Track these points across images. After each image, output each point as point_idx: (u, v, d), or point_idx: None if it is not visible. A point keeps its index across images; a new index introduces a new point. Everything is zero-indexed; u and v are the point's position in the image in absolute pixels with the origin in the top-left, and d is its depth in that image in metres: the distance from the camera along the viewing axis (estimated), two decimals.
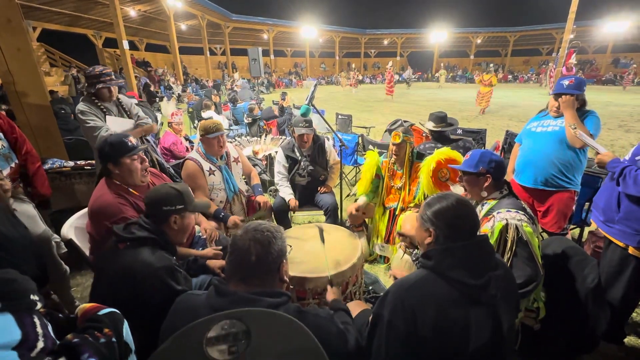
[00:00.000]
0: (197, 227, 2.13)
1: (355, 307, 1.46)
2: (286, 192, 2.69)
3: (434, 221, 1.08)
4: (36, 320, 0.61)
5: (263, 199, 2.58)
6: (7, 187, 1.64)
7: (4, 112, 2.12)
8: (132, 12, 15.21)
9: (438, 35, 27.27)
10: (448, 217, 1.07)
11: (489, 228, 1.48)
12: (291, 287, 1.67)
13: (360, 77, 21.35)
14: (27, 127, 2.79)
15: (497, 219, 1.46)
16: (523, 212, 1.45)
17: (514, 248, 1.41)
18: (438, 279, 1.02)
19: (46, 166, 2.63)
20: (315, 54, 30.74)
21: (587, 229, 2.57)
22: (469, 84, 24.69)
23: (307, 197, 2.84)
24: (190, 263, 1.62)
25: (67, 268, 2.08)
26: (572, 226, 2.57)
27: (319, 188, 2.83)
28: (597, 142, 1.86)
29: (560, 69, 10.86)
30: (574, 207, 2.27)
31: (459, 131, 3.97)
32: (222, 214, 2.27)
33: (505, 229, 1.43)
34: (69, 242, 1.74)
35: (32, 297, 0.62)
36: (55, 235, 2.02)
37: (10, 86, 2.70)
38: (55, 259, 2.00)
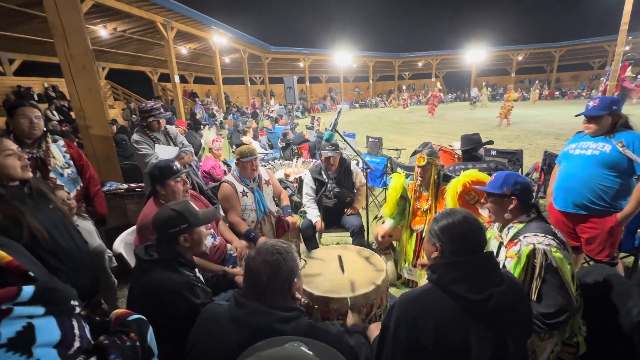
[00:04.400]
0: (229, 246, 2.27)
1: (377, 329, 1.47)
2: (313, 214, 2.78)
3: (440, 236, 1.12)
4: (74, 323, 0.69)
5: (292, 219, 2.69)
6: (73, 205, 1.92)
7: (74, 143, 2.48)
8: (184, 50, 16.96)
9: (475, 55, 26.72)
10: (454, 232, 1.09)
11: (515, 252, 1.43)
12: (315, 306, 1.71)
13: (403, 98, 21.56)
14: (92, 155, 3.21)
15: (523, 243, 1.41)
16: (552, 237, 1.39)
17: (542, 274, 1.34)
18: (440, 292, 1.05)
19: (104, 188, 2.99)
20: (349, 79, 31.51)
21: None
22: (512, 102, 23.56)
23: (334, 218, 2.90)
24: (220, 278, 1.74)
25: (115, 281, 2.31)
26: (623, 254, 2.33)
27: (345, 210, 2.88)
28: None
29: (614, 83, 10.06)
30: (622, 234, 2.08)
31: (493, 152, 3.83)
32: (253, 234, 2.40)
33: (532, 254, 1.37)
34: (119, 256, 1.96)
35: (72, 302, 0.71)
36: (109, 250, 2.28)
37: (81, 120, 3.17)
38: (106, 271, 2.24)
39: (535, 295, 1.33)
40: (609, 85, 8.99)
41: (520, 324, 1.08)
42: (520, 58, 28.12)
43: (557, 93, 25.19)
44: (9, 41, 10.68)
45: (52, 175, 2.08)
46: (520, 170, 3.77)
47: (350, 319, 1.56)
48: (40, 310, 0.61)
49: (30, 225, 1.40)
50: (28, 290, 0.61)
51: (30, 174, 1.55)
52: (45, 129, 2.08)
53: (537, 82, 23.42)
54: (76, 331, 0.68)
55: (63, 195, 1.87)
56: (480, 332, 0.99)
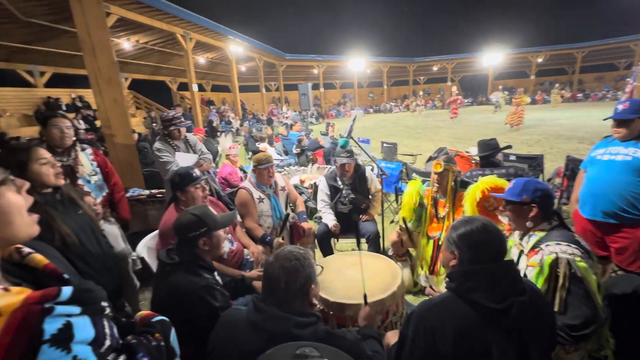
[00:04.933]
0: (245, 251, 2.31)
1: (394, 337, 1.45)
2: (329, 218, 2.79)
3: (459, 244, 1.11)
4: (105, 322, 0.74)
5: (307, 225, 2.71)
6: (99, 211, 2.01)
7: (101, 151, 2.60)
8: (202, 59, 17.47)
9: (492, 58, 26.18)
10: (472, 240, 1.08)
11: (537, 262, 1.40)
12: (331, 313, 1.72)
13: (418, 103, 21.42)
14: (116, 162, 3.36)
15: (545, 252, 1.37)
16: (576, 246, 1.34)
17: (567, 285, 1.30)
18: (459, 300, 1.04)
19: (127, 194, 3.10)
20: (364, 84, 31.52)
21: None
22: (532, 106, 22.96)
23: (349, 225, 2.90)
24: (238, 282, 1.77)
25: (138, 283, 2.39)
26: None
27: (360, 216, 2.88)
28: None
29: None
30: None
31: (512, 157, 3.74)
32: (269, 238, 2.44)
33: (555, 263, 1.33)
34: (142, 260, 2.03)
35: (103, 303, 0.76)
36: (133, 253, 2.36)
37: (107, 129, 3.33)
38: (130, 274, 2.31)
39: (560, 306, 1.29)
40: (636, 87, 8.60)
41: (544, 335, 1.05)
42: (539, 60, 27.35)
43: (580, 95, 24.28)
44: (40, 55, 11.35)
45: (79, 182, 2.17)
46: (541, 176, 3.66)
47: (362, 316, 1.47)
48: (76, 309, 0.66)
49: (61, 230, 1.48)
50: (67, 290, 0.66)
51: (63, 181, 1.64)
52: (75, 138, 2.20)
53: (557, 84, 22.62)
54: (107, 330, 0.72)
55: (90, 202, 1.96)
56: (502, 342, 0.98)
